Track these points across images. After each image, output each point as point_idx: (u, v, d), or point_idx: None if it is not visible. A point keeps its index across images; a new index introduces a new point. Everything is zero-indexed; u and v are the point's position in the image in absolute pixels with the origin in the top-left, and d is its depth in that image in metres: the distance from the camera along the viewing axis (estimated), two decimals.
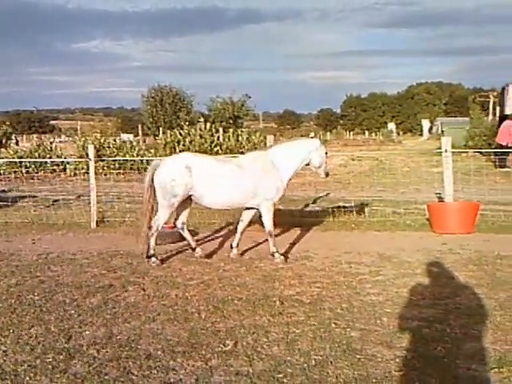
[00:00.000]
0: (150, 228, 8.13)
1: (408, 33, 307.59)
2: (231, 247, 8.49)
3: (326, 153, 8.58)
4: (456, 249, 8.54)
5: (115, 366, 4.58)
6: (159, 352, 4.84)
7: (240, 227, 8.54)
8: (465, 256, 8.06)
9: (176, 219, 8.60)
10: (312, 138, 8.59)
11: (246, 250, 8.80)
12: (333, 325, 5.37)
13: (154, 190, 8.13)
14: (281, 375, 4.33)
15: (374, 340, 4.94)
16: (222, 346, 4.94)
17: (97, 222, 11.76)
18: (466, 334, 5.03)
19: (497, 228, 10.26)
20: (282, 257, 8.08)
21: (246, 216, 8.54)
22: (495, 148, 25.76)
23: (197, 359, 4.68)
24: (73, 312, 5.95)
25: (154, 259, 8.07)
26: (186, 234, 8.62)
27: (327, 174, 8.72)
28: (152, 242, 8.15)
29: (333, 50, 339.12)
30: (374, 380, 4.19)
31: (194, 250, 8.48)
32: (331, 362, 4.52)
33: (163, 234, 9.50)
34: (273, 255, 8.08)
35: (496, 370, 4.25)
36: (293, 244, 9.29)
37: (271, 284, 6.87)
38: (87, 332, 5.36)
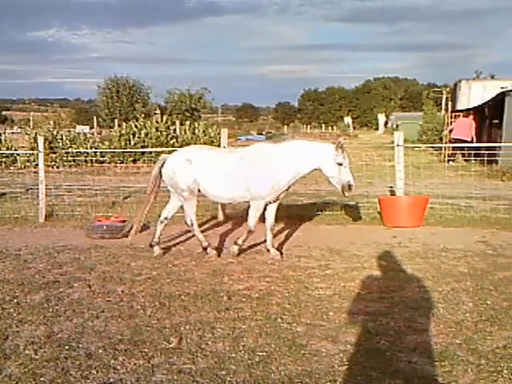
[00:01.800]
0: (161, 219, 8.42)
1: (366, 28, 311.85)
2: (235, 243, 8.01)
3: (341, 164, 7.41)
4: (405, 242, 8.64)
5: (53, 366, 4.42)
6: (100, 351, 4.71)
7: (267, 225, 7.93)
8: (413, 249, 8.16)
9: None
10: (334, 142, 7.57)
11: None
12: (279, 320, 5.33)
13: (159, 183, 8.30)
14: (224, 372, 4.27)
15: (320, 335, 4.93)
16: (165, 343, 4.85)
17: (45, 216, 11.45)
18: (410, 326, 5.07)
19: (444, 221, 10.44)
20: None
21: (269, 213, 7.92)
22: (446, 143, 26.33)
23: (139, 357, 4.57)
24: (12, 310, 5.74)
25: (209, 249, 8.02)
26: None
27: (343, 190, 7.55)
28: (198, 235, 8.19)
29: (292, 43, 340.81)
30: (316, 375, 4.16)
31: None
32: (275, 358, 4.48)
33: (113, 228, 9.33)
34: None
35: (437, 363, 4.29)
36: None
37: (220, 279, 6.80)
38: (26, 331, 5.17)
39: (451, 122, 27.24)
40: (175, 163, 8.02)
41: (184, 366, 4.39)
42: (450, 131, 25.52)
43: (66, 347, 4.78)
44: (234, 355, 4.58)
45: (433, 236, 9.10)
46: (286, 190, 7.92)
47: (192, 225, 8.14)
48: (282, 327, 5.16)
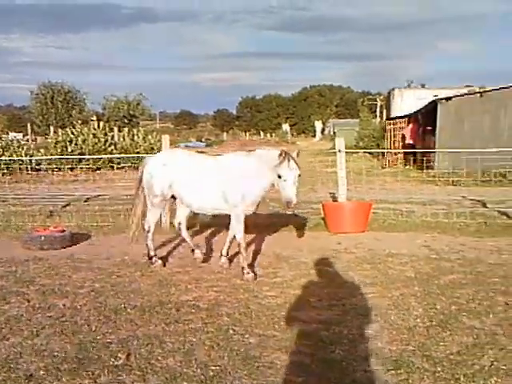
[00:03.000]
0: (143, 229, 7.92)
1: (300, 37, 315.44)
2: (221, 255, 7.73)
3: (279, 176, 6.56)
4: (350, 248, 8.68)
5: None
6: (42, 372, 4.42)
7: (229, 234, 7.61)
8: (359, 255, 8.20)
9: (177, 218, 8.13)
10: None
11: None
12: (231, 331, 5.19)
13: (143, 188, 7.88)
14: None
15: (273, 346, 4.82)
16: (113, 359, 4.62)
17: None
18: (363, 334, 5.04)
19: (387, 226, 10.58)
20: (252, 274, 7.04)
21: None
22: (383, 148, 26.97)
23: (84, 377, 4.32)
24: None
25: (154, 259, 7.75)
26: (185, 235, 8.05)
27: (287, 205, 6.56)
28: (149, 243, 7.85)
29: (228, 51, 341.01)
30: None
31: (192, 251, 7.95)
32: (229, 372, 4.34)
33: (52, 238, 8.95)
34: (242, 270, 7.11)
35: (393, 371, 4.26)
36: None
37: (167, 289, 6.60)
38: None
39: (394, 129, 28.05)
40: (152, 168, 7.71)
41: None
42: (403, 137, 26.22)
43: (4, 369, 4.47)
44: (185, 370, 4.40)
45: (377, 241, 9.19)
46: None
47: (148, 232, 7.87)
48: (234, 339, 5.02)
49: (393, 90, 41.65)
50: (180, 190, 7.48)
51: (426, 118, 26.34)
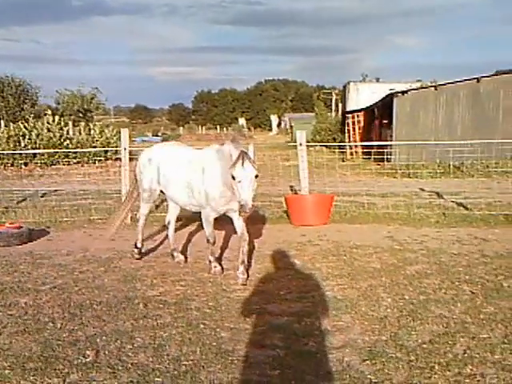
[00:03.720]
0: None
1: (254, 31, 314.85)
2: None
3: (233, 177, 5.89)
4: (315, 240, 8.70)
5: None
6: (7, 371, 4.24)
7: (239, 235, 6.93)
8: (324, 247, 8.22)
9: (168, 215, 7.87)
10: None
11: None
12: (201, 326, 5.11)
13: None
14: None
15: (246, 339, 4.76)
16: (81, 357, 4.47)
17: None
18: (335, 326, 5.03)
19: (349, 218, 10.66)
20: (219, 267, 6.88)
21: (235, 223, 6.84)
22: (341, 142, 27.26)
23: (52, 376, 4.17)
24: None
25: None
26: (170, 234, 7.75)
27: (241, 208, 5.87)
28: (137, 233, 7.76)
29: (181, 45, 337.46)
30: (249, 383, 3.99)
31: (172, 256, 7.61)
32: (203, 367, 4.26)
33: (9, 235, 8.66)
34: (209, 263, 6.93)
35: (368, 361, 4.26)
36: (154, 240, 8.90)
37: (132, 285, 6.46)
38: None
39: (353, 122, 28.50)
40: (141, 161, 7.53)
41: (105, 382, 4.07)
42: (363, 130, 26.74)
43: None
44: (157, 366, 4.30)
45: (341, 233, 9.24)
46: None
47: (138, 222, 7.80)
48: (206, 333, 4.94)
49: (348, 83, 42.10)
50: (164, 184, 7.23)
51: (382, 111, 26.75)
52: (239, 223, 6.74)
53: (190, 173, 6.73)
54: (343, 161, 22.21)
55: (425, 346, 4.53)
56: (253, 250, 7.98)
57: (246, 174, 5.83)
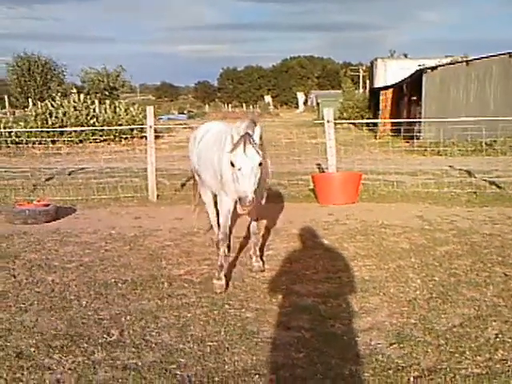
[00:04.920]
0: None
1: (279, 7, 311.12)
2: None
3: (233, 164, 5.01)
4: (342, 219, 8.56)
5: None
6: (32, 349, 4.25)
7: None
8: (351, 226, 8.08)
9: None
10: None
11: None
12: (226, 306, 5.05)
13: None
14: (173, 366, 3.95)
15: (271, 321, 4.69)
16: (106, 336, 4.46)
17: None
18: (362, 307, 4.92)
19: (378, 197, 10.48)
20: (221, 282, 5.60)
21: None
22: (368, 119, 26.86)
23: (77, 354, 4.16)
24: None
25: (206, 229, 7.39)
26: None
27: (240, 202, 4.86)
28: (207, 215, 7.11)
29: (206, 22, 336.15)
30: (273, 365, 3.92)
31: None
32: (227, 348, 4.20)
33: (37, 212, 8.71)
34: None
35: (396, 345, 4.15)
36: (180, 219, 8.85)
37: (158, 263, 6.43)
38: None
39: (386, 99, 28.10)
40: (190, 140, 6.95)
41: (129, 361, 4.03)
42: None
43: None
44: (182, 346, 4.26)
45: (369, 212, 9.08)
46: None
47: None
48: (230, 314, 4.88)
49: (376, 60, 41.42)
50: (198, 164, 6.52)
51: (411, 88, 26.22)
52: (250, 215, 6.17)
53: (213, 151, 5.93)
54: (376, 138, 21.82)
55: (455, 329, 4.40)
56: (265, 238, 7.84)
57: (248, 162, 4.93)
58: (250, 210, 5.25)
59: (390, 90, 29.81)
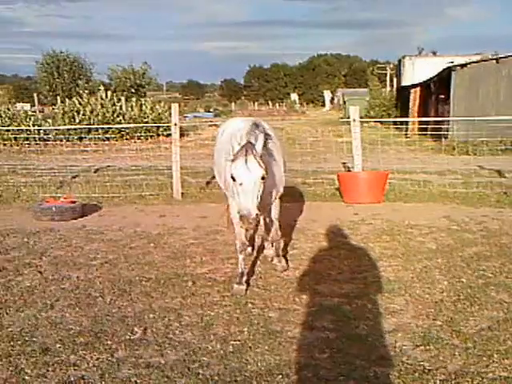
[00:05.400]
0: None
1: (306, 4, 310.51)
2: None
3: (233, 178, 4.66)
4: (368, 219, 8.47)
5: (5, 364, 3.99)
6: (58, 345, 4.29)
7: None
8: (377, 226, 7.99)
9: None
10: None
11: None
12: (249, 305, 5.03)
13: None
14: (196, 365, 3.94)
15: (294, 320, 4.65)
16: (129, 333, 4.47)
17: None
18: (387, 308, 4.85)
19: (404, 197, 10.35)
20: (242, 286, 5.41)
21: None
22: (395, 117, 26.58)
23: (101, 351, 4.18)
24: None
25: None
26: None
27: (241, 219, 4.60)
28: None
29: (232, 20, 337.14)
30: (297, 366, 3.88)
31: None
32: (250, 348, 4.18)
33: (63, 210, 8.80)
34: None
35: (422, 347, 4.08)
36: (204, 217, 8.85)
37: (182, 262, 6.43)
38: None
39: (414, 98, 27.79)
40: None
41: (152, 360, 4.04)
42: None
43: (19, 342, 4.34)
44: (205, 345, 4.25)
45: (395, 212, 8.97)
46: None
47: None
48: (254, 313, 4.85)
49: (403, 57, 40.92)
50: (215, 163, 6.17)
51: (439, 85, 25.88)
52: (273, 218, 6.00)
53: (221, 155, 5.61)
54: (406, 136, 21.56)
55: (483, 332, 4.30)
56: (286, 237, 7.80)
57: (249, 176, 4.51)
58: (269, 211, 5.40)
59: (418, 88, 29.46)
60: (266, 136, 4.97)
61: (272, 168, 5.16)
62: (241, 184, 4.52)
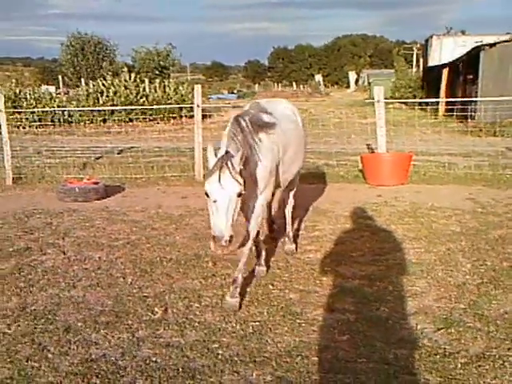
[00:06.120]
0: None
1: None
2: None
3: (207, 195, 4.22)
4: (391, 201, 8.38)
5: (28, 342, 4.06)
6: (80, 323, 4.35)
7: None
8: (400, 208, 7.90)
9: None
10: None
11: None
12: (270, 286, 5.02)
13: None
14: (216, 345, 3.95)
15: (315, 302, 4.63)
16: (150, 314, 4.50)
17: (13, 178, 10.90)
18: (409, 291, 4.80)
19: (428, 179, 10.21)
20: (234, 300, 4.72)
21: None
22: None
23: (122, 330, 4.22)
24: None
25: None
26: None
27: (213, 240, 4.09)
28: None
29: (258, 1, 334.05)
30: (316, 347, 3.86)
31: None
32: (270, 329, 4.17)
33: (86, 190, 8.88)
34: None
35: (443, 330, 4.03)
36: None
37: (203, 243, 6.43)
38: None
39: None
40: None
41: (172, 339, 4.06)
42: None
43: (42, 320, 4.41)
44: (224, 326, 4.26)
45: (419, 194, 8.85)
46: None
47: None
48: (274, 294, 4.85)
49: (431, 37, 40.14)
50: None
51: (467, 66, 25.37)
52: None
53: None
54: (436, 118, 21.23)
55: (506, 316, 4.23)
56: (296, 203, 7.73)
57: (224, 193, 4.09)
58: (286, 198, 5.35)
59: (446, 68, 28.92)
60: (261, 125, 4.65)
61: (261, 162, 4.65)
62: (215, 201, 4.12)
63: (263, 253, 5.48)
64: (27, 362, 3.78)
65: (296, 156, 5.50)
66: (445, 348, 3.78)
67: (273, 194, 5.52)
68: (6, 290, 5.08)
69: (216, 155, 4.24)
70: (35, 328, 4.28)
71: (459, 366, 3.56)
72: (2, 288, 5.12)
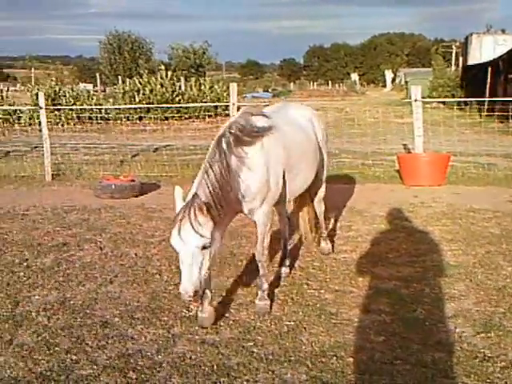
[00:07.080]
0: None
1: None
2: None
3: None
4: (428, 202, 8.26)
5: (67, 335, 4.13)
6: (116, 319, 4.41)
7: None
8: (437, 209, 7.78)
9: None
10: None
11: None
12: (305, 286, 5.01)
13: None
14: (250, 344, 3.95)
15: (350, 303, 4.60)
16: (185, 310, 4.53)
17: (52, 174, 11.12)
18: (447, 293, 4.73)
19: (467, 180, 10.04)
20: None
21: None
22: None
23: (158, 326, 4.26)
24: (22, 274, 5.46)
25: None
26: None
27: (180, 296, 3.86)
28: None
29: None
30: (351, 348, 3.84)
31: None
32: (305, 328, 4.16)
33: (123, 188, 8.99)
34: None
35: (483, 334, 3.95)
36: None
37: (238, 241, 6.46)
38: (37, 296, 4.89)
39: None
40: None
41: (207, 337, 4.08)
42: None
43: (80, 314, 4.49)
44: (259, 324, 4.26)
45: (457, 195, 8.71)
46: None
47: None
48: (309, 294, 4.83)
49: (470, 35, 39.43)
50: None
51: (508, 65, 24.85)
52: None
53: None
54: (481, 117, 20.85)
55: None
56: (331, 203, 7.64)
57: (184, 248, 3.72)
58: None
59: (490, 67, 28.35)
60: (246, 138, 4.25)
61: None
62: (179, 253, 3.79)
63: (288, 254, 5.47)
64: (66, 354, 3.85)
65: (302, 167, 4.99)
66: (484, 352, 3.71)
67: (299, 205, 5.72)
68: (46, 283, 5.19)
69: (184, 199, 3.88)
70: (74, 321, 4.36)
71: (498, 370, 3.50)
72: (43, 282, 5.23)
